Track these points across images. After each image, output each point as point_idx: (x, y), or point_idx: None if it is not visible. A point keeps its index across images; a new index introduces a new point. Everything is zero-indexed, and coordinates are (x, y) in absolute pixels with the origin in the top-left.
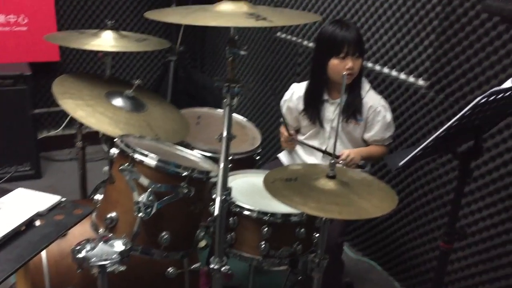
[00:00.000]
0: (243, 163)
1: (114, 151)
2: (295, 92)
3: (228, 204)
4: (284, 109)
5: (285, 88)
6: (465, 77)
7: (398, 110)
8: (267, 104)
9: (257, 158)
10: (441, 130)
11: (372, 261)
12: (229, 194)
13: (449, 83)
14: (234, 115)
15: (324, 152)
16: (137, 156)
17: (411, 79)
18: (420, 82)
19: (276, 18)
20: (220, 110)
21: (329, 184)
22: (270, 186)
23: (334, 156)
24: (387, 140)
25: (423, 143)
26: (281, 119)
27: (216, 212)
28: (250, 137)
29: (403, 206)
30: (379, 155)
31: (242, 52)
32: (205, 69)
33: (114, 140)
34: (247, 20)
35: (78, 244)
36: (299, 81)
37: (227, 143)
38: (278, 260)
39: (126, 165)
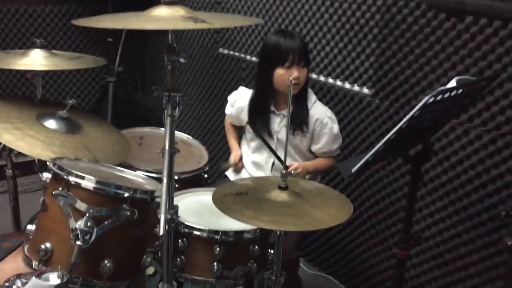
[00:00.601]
0: (190, 182)
1: (46, 175)
2: (238, 101)
3: (175, 224)
4: (228, 109)
5: None
6: (408, 83)
7: (345, 120)
8: (213, 121)
9: (206, 176)
10: (391, 133)
11: (329, 276)
12: (176, 213)
13: (393, 90)
14: (179, 133)
15: (277, 157)
16: (72, 179)
17: (356, 88)
18: (365, 90)
19: (216, 20)
20: (162, 129)
21: (282, 196)
22: (220, 202)
23: (285, 166)
24: (335, 152)
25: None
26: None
27: (161, 233)
28: (197, 155)
29: (356, 216)
30: (327, 168)
31: (182, 60)
32: (146, 90)
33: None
34: (185, 23)
35: (7, 280)
36: None
37: (170, 157)
38: (233, 281)
39: (60, 189)
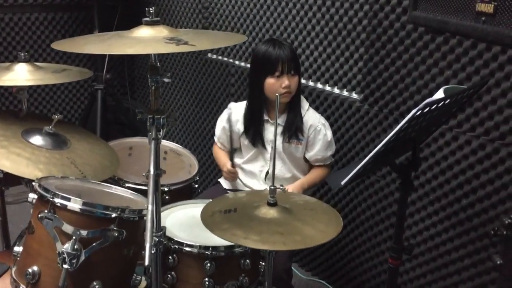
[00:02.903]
0: (181, 193)
1: (32, 196)
2: (233, 114)
3: (163, 246)
4: (219, 130)
5: (221, 109)
6: (396, 88)
7: (335, 125)
8: (203, 128)
9: (196, 186)
10: (379, 146)
11: (322, 281)
12: (163, 235)
13: (382, 95)
14: (169, 142)
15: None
16: (58, 201)
17: (345, 93)
18: (354, 95)
19: (198, 41)
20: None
21: (271, 213)
22: (209, 220)
23: (272, 180)
24: (329, 159)
25: (362, 157)
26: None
27: (146, 263)
28: (187, 164)
29: (347, 221)
30: (322, 179)
31: (166, 80)
32: (136, 96)
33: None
34: (167, 46)
35: None
36: (234, 101)
37: (155, 181)
38: None
39: (45, 212)
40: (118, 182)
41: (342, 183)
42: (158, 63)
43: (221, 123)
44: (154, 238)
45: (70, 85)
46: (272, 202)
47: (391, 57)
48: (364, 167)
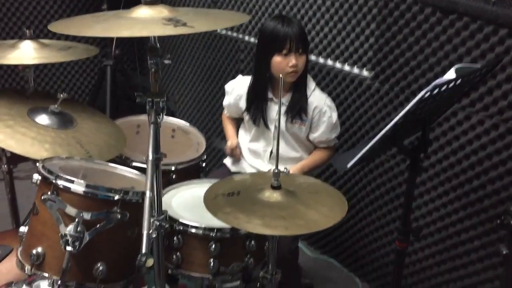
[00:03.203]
0: (188, 172)
1: (36, 177)
2: (236, 88)
3: (164, 229)
4: (226, 98)
5: None
6: (408, 66)
7: (345, 103)
8: (212, 105)
9: (203, 165)
10: (386, 128)
11: (331, 258)
12: (165, 219)
13: (393, 73)
14: (177, 120)
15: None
16: (61, 183)
17: (355, 70)
18: (365, 73)
19: (198, 23)
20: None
21: (274, 196)
22: (212, 203)
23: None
24: (333, 141)
25: (371, 136)
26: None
27: (143, 250)
28: (195, 142)
29: (357, 200)
30: (324, 162)
31: (166, 61)
32: (146, 71)
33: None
34: (165, 27)
35: None
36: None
37: (156, 165)
38: (230, 276)
39: (49, 194)
40: (125, 161)
41: (348, 165)
42: (158, 44)
43: (229, 91)
44: (156, 222)
45: (79, 62)
46: (276, 185)
47: (403, 33)
48: (371, 150)
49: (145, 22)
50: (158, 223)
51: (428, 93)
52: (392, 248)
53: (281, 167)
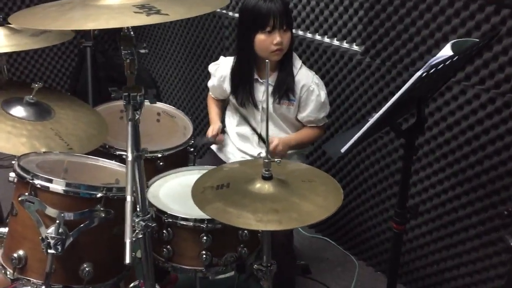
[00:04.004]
0: (176, 158)
1: (12, 176)
2: (218, 70)
3: (151, 228)
4: (210, 80)
5: None
6: (400, 39)
7: (335, 79)
8: (197, 86)
9: (191, 149)
10: (381, 112)
11: (326, 237)
12: (150, 218)
13: (385, 47)
14: (162, 104)
15: (259, 136)
16: (38, 182)
17: (345, 44)
18: (355, 47)
19: (173, 10)
20: (146, 102)
21: (266, 187)
22: (200, 197)
23: (267, 150)
24: (322, 121)
25: (360, 119)
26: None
27: (127, 261)
28: (181, 127)
29: (350, 179)
30: (311, 140)
31: (142, 51)
32: None
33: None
34: (136, 17)
35: None
36: (229, 55)
37: (134, 166)
38: (223, 268)
39: (26, 194)
40: (109, 150)
41: (342, 150)
42: (132, 32)
43: (211, 72)
44: (141, 222)
45: (56, 45)
46: (267, 176)
47: (393, 5)
48: (365, 133)
49: (114, 10)
50: (143, 224)
51: (425, 73)
52: (388, 226)
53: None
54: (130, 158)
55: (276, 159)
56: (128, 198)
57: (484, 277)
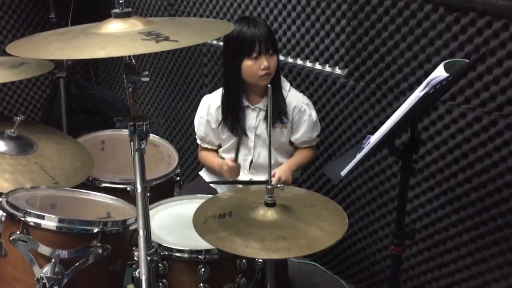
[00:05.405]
0: (162, 187)
1: (0, 214)
2: (212, 104)
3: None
4: (203, 128)
5: (195, 92)
6: (384, 61)
7: (319, 103)
8: (176, 113)
9: (177, 178)
10: (383, 134)
11: (314, 262)
12: (155, 252)
13: (368, 69)
14: None
15: (256, 182)
16: (30, 220)
17: (328, 68)
18: (338, 71)
19: (181, 36)
20: (125, 131)
21: (270, 214)
22: (203, 228)
23: (270, 181)
24: (315, 140)
25: (350, 137)
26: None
27: None
28: (166, 155)
29: (337, 202)
30: (308, 160)
31: (144, 79)
32: (101, 80)
33: None
34: (146, 44)
35: None
36: (208, 82)
37: (143, 198)
38: None
39: (18, 233)
40: (94, 182)
41: (342, 174)
42: (133, 60)
43: (202, 117)
44: (147, 257)
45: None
46: (270, 202)
47: (376, 28)
48: (365, 156)
49: (120, 38)
50: (149, 258)
51: (426, 93)
52: (378, 247)
53: (263, 177)
54: (139, 190)
55: (279, 185)
56: (141, 232)
57: None
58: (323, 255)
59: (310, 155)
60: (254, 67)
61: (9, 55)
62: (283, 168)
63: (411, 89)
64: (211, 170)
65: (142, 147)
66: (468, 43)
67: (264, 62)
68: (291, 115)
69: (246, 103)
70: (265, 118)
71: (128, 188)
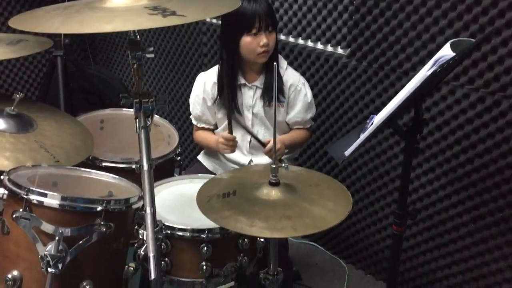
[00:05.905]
0: (163, 167)
1: (2, 192)
2: (207, 81)
3: (160, 242)
4: (199, 106)
5: (194, 71)
6: (387, 41)
7: (320, 83)
8: (175, 92)
9: (178, 158)
10: (388, 113)
11: (313, 243)
12: (160, 229)
13: (371, 49)
14: None
15: (256, 139)
16: (33, 198)
17: (329, 48)
18: (340, 50)
19: (189, 11)
20: (125, 110)
21: (274, 193)
22: (207, 207)
23: (274, 156)
24: (309, 122)
25: (352, 117)
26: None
27: (152, 276)
28: (166, 135)
29: (347, 185)
30: (302, 141)
31: (149, 55)
32: (98, 60)
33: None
34: (152, 18)
35: None
36: (208, 61)
37: (150, 176)
38: (223, 278)
39: (20, 211)
40: (94, 161)
41: (346, 154)
42: (138, 36)
43: (198, 96)
44: None
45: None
46: (274, 181)
47: (379, 7)
48: (370, 135)
49: (126, 12)
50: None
51: (433, 72)
52: (377, 228)
53: (262, 158)
54: (146, 167)
55: (283, 164)
56: (148, 209)
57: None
58: (323, 235)
59: (304, 136)
60: (253, 43)
61: (9, 32)
62: (279, 138)
63: (414, 69)
64: (209, 153)
65: (148, 124)
66: (473, 23)
67: (263, 39)
68: (287, 93)
69: (242, 81)
70: (262, 96)
71: (134, 166)
